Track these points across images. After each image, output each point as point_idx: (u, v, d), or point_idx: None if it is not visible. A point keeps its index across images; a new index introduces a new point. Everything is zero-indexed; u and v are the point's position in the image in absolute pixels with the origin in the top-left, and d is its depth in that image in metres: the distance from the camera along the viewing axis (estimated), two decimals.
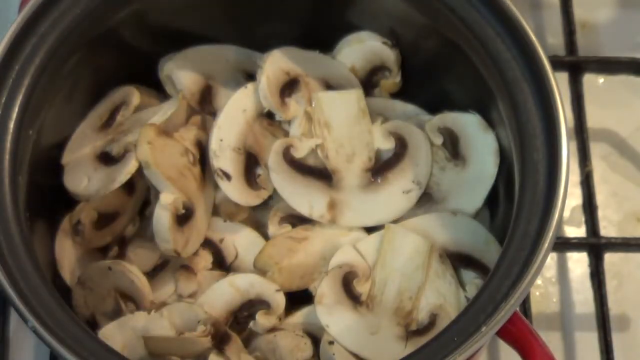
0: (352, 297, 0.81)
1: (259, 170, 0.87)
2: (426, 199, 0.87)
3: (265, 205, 0.87)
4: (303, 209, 0.85)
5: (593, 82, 1.07)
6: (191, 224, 0.84)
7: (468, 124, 0.86)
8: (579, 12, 1.08)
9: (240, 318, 0.83)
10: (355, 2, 0.90)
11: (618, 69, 1.04)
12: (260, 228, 0.87)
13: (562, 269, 1.01)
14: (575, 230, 1.02)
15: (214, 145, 0.86)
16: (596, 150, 1.04)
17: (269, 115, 0.88)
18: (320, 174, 0.86)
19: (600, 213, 0.99)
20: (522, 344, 0.75)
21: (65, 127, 0.89)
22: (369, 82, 0.92)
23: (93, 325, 0.84)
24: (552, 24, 1.11)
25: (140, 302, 0.83)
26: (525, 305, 0.93)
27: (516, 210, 0.75)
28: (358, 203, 0.85)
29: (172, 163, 0.84)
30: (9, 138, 0.78)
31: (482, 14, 0.80)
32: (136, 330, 0.80)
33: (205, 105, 0.90)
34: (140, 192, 0.88)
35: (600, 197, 1.01)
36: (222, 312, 0.82)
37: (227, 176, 0.85)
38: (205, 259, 0.86)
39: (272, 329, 0.82)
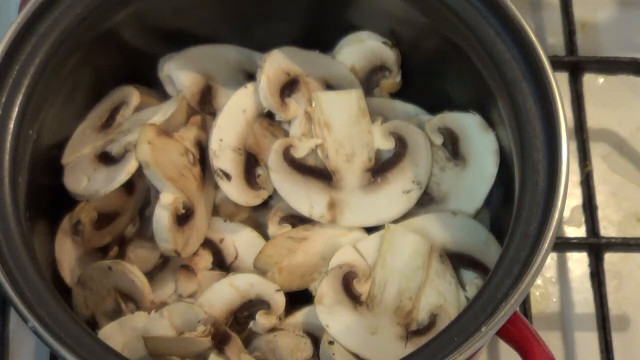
0: (352, 297, 0.81)
1: (259, 170, 0.87)
2: (426, 199, 0.87)
3: (265, 205, 0.87)
4: (303, 209, 0.85)
5: (593, 82, 1.07)
6: (191, 224, 0.84)
7: (468, 124, 0.86)
8: (579, 12, 1.08)
9: (240, 318, 0.83)
10: (355, 2, 0.90)
11: (618, 69, 1.04)
12: (260, 228, 0.87)
13: (562, 269, 1.01)
14: (575, 230, 1.02)
15: (214, 145, 0.86)
16: (596, 150, 1.04)
17: (269, 115, 0.88)
18: (320, 174, 0.86)
19: (600, 213, 0.99)
20: (522, 344, 0.75)
21: (65, 127, 0.89)
22: (369, 82, 0.92)
23: (93, 325, 0.84)
24: (552, 24, 1.11)
25: (140, 302, 0.83)
26: (525, 305, 0.93)
27: (516, 210, 0.75)
28: (358, 203, 0.85)
29: (172, 163, 0.84)
30: (9, 138, 0.78)
31: (482, 14, 0.80)
32: (136, 330, 0.80)
33: (205, 105, 0.90)
34: (140, 192, 0.88)
35: (600, 197, 1.01)
36: (222, 312, 0.82)
37: (227, 176, 0.85)
38: (205, 259, 0.86)
39: (272, 329, 0.82)
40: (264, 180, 0.86)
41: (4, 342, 0.92)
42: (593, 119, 1.03)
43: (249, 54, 0.93)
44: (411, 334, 0.80)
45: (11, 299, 0.72)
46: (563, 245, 0.98)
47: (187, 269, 0.85)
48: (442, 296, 0.81)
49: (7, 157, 0.77)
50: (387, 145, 0.87)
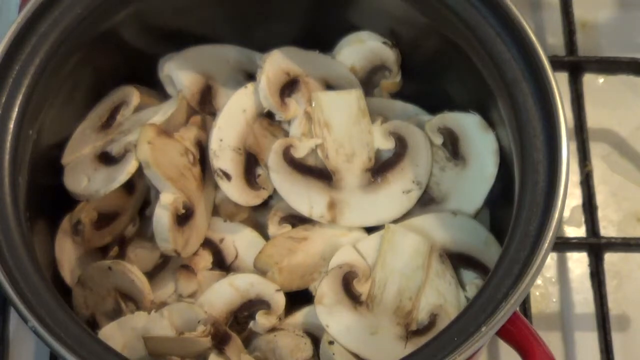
0: (352, 297, 0.81)
1: (259, 170, 0.87)
2: (426, 199, 0.87)
3: (265, 205, 0.87)
4: (303, 209, 0.85)
5: (593, 82, 1.07)
6: (191, 224, 0.84)
7: (468, 124, 0.86)
8: (579, 12, 1.08)
9: (240, 318, 0.83)
10: (355, 2, 0.90)
11: (618, 69, 1.04)
12: (260, 228, 0.87)
13: (562, 269, 1.01)
14: (575, 230, 1.02)
15: (214, 145, 0.86)
16: (596, 150, 1.04)
17: (269, 115, 0.88)
18: (320, 174, 0.86)
19: (600, 213, 0.99)
20: (522, 344, 0.75)
21: (65, 127, 0.89)
22: (369, 82, 0.92)
23: (93, 325, 0.84)
24: (552, 24, 1.11)
25: (140, 302, 0.83)
26: (525, 305, 0.93)
27: (516, 210, 0.75)
28: (358, 203, 0.85)
29: (172, 163, 0.84)
30: (9, 138, 0.78)
31: (482, 14, 0.80)
32: (136, 330, 0.80)
33: (205, 105, 0.90)
34: (140, 192, 0.88)
35: (600, 197, 1.01)
36: (222, 312, 0.82)
37: (227, 176, 0.85)
38: (205, 259, 0.86)
39: (272, 329, 0.82)
40: (264, 180, 0.86)
41: (4, 342, 0.92)
42: (593, 119, 1.03)
43: (249, 54, 0.93)
44: (411, 334, 0.80)
45: (11, 299, 0.72)
46: (563, 245, 0.98)
47: (187, 269, 0.85)
48: (442, 296, 0.81)
49: (7, 157, 0.77)
50: (387, 145, 0.87)
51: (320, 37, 0.91)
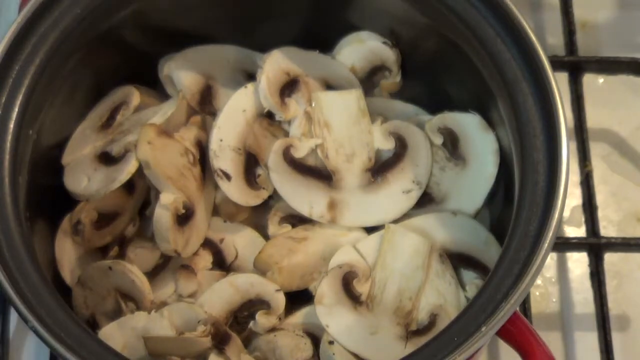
0: (352, 297, 0.81)
1: (259, 170, 0.87)
2: (426, 199, 0.87)
3: (265, 205, 0.87)
4: (303, 209, 0.85)
5: (593, 82, 1.07)
6: (191, 224, 0.84)
7: (468, 124, 0.86)
8: (579, 12, 1.08)
9: (240, 318, 0.83)
10: (355, 2, 0.90)
11: (618, 69, 1.04)
12: (260, 228, 0.87)
13: (562, 269, 1.01)
14: (575, 230, 1.02)
15: (214, 145, 0.86)
16: (596, 150, 1.04)
17: (269, 115, 0.88)
18: (320, 174, 0.86)
19: (600, 213, 0.99)
20: (522, 344, 0.75)
21: (65, 127, 0.89)
22: (369, 82, 0.92)
23: (93, 325, 0.84)
24: (552, 24, 1.11)
25: (141, 302, 0.83)
26: (525, 305, 0.93)
27: (516, 210, 0.75)
28: (358, 203, 0.85)
29: (172, 163, 0.84)
30: (9, 138, 0.78)
31: (482, 14, 0.80)
32: (136, 330, 0.80)
33: (205, 106, 0.90)
34: (140, 192, 0.88)
35: (600, 197, 1.01)
36: (222, 312, 0.82)
37: (227, 176, 0.85)
38: (205, 259, 0.86)
39: (272, 329, 0.82)
40: (264, 180, 0.86)
41: (4, 342, 0.92)
42: (593, 119, 1.03)
43: (249, 54, 0.93)
44: (411, 334, 0.80)
45: (11, 299, 0.72)
46: (563, 245, 0.98)
47: (187, 269, 0.85)
48: (442, 296, 0.81)
49: (7, 157, 0.77)
50: (387, 145, 0.87)
51: (320, 37, 0.91)
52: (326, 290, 0.81)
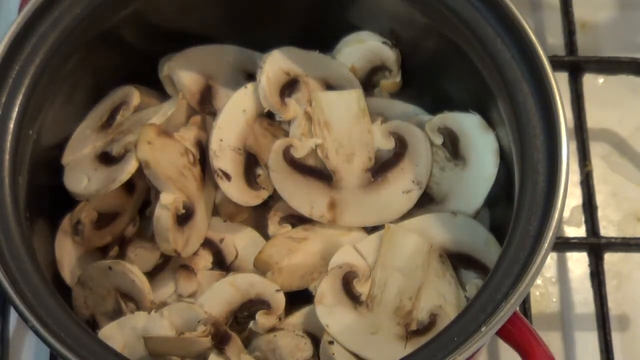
0: (352, 297, 0.81)
1: (259, 170, 0.87)
2: (426, 199, 0.87)
3: (265, 205, 0.87)
4: (303, 209, 0.85)
5: (593, 82, 1.07)
6: (191, 224, 0.84)
7: (468, 124, 0.86)
8: (579, 12, 1.08)
9: (240, 318, 0.83)
10: (355, 2, 0.90)
11: (618, 69, 1.04)
12: (260, 228, 0.87)
13: (562, 269, 1.01)
14: (575, 230, 1.02)
15: (214, 145, 0.86)
16: (596, 150, 1.04)
17: (269, 115, 0.88)
18: (320, 174, 0.86)
19: (600, 213, 0.99)
20: (522, 344, 0.75)
21: (65, 127, 0.89)
22: (369, 82, 0.92)
23: (93, 325, 0.84)
24: (552, 24, 1.11)
25: (141, 302, 0.83)
26: (525, 305, 0.93)
27: (516, 210, 0.75)
28: (358, 203, 0.85)
29: (172, 163, 0.84)
30: (9, 138, 0.78)
31: (482, 14, 0.80)
32: (136, 330, 0.80)
33: (205, 106, 0.90)
34: (140, 192, 0.88)
35: (600, 197, 1.01)
36: (222, 312, 0.82)
37: (227, 176, 0.85)
38: (205, 259, 0.86)
39: (272, 329, 0.82)
40: (264, 180, 0.86)
41: (4, 342, 0.92)
42: (593, 119, 1.03)
43: (249, 54, 0.93)
44: (411, 334, 0.80)
45: (11, 299, 0.72)
46: (563, 245, 0.98)
47: (187, 269, 0.85)
48: (442, 296, 0.81)
49: (7, 157, 0.77)
50: (387, 145, 0.87)
51: (320, 37, 0.91)
52: (326, 290, 0.81)
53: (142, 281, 0.83)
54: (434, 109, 0.89)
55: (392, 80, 0.91)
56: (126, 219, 0.88)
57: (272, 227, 0.86)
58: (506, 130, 0.80)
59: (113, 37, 0.86)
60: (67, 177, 0.87)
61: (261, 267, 0.83)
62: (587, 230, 0.98)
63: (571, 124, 1.02)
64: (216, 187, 0.87)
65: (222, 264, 0.87)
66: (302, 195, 0.85)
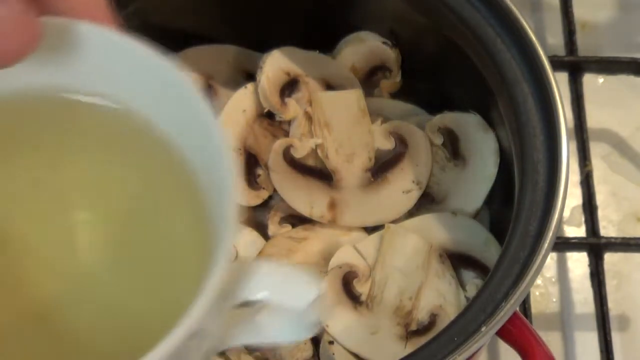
0: (352, 297, 0.81)
1: (259, 170, 0.87)
2: (426, 199, 0.87)
3: (265, 205, 0.87)
4: (303, 209, 0.85)
5: (593, 82, 1.07)
6: None
7: (468, 124, 0.86)
8: (579, 12, 1.08)
9: None
10: (355, 2, 0.90)
11: (618, 69, 1.04)
12: (260, 228, 0.87)
13: (562, 269, 1.01)
14: (575, 230, 1.02)
15: None
16: (596, 150, 1.04)
17: (269, 116, 0.88)
18: (320, 174, 0.86)
19: (600, 213, 0.99)
20: (522, 344, 0.75)
21: None
22: (369, 82, 0.92)
23: None
24: (552, 24, 1.11)
25: None
26: (525, 305, 0.93)
27: (516, 210, 0.74)
28: (358, 203, 0.85)
29: None
30: None
31: (482, 14, 0.80)
32: None
33: None
34: None
35: (600, 197, 1.00)
36: None
37: None
38: None
39: None
40: (264, 180, 0.86)
41: None
42: (593, 119, 1.03)
43: (249, 54, 0.93)
44: (411, 334, 0.80)
45: None
46: (563, 245, 0.97)
47: None
48: (442, 296, 0.81)
49: None
50: (387, 145, 0.86)
51: (320, 37, 0.91)
52: (326, 290, 0.81)
53: None
54: (434, 109, 0.89)
55: (392, 80, 0.91)
56: None
57: (272, 227, 0.86)
58: (506, 130, 0.80)
59: None
60: None
61: None
62: (587, 230, 0.98)
63: (571, 124, 1.02)
64: None
65: None
66: (302, 195, 0.85)
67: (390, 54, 0.90)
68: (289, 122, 0.88)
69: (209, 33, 0.92)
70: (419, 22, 0.85)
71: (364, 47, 0.91)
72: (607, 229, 1.02)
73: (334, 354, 0.79)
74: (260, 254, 0.83)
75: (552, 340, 0.97)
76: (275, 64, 0.88)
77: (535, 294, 0.99)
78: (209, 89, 0.91)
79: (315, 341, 0.81)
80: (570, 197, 1.00)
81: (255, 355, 0.81)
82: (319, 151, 0.86)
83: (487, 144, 0.85)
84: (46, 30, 0.50)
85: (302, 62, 0.89)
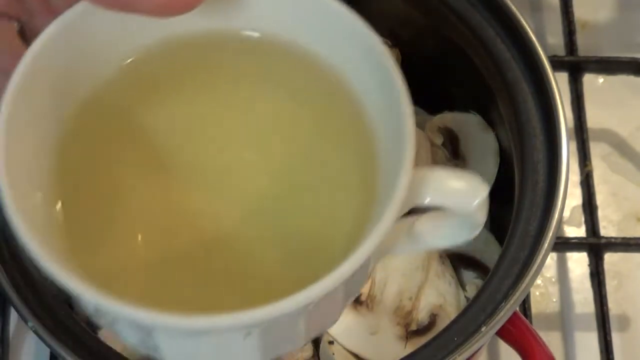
0: None
1: None
2: None
3: None
4: None
5: (593, 82, 1.07)
6: None
7: (468, 124, 0.86)
8: (579, 12, 1.08)
9: None
10: (356, 2, 0.89)
11: (618, 69, 1.04)
12: None
13: (562, 269, 1.01)
14: (575, 230, 1.02)
15: None
16: (596, 150, 1.04)
17: None
18: None
19: (600, 213, 0.99)
20: (522, 344, 0.75)
21: None
22: None
23: (93, 325, 0.83)
24: (552, 24, 1.11)
25: None
26: (525, 305, 0.93)
27: (516, 210, 0.74)
28: None
29: None
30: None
31: (482, 14, 0.80)
32: None
33: None
34: None
35: (600, 197, 1.00)
36: None
37: None
38: None
39: None
40: None
41: (4, 342, 0.92)
42: (593, 119, 1.03)
43: None
44: (411, 334, 0.80)
45: (11, 299, 0.71)
46: (563, 245, 0.97)
47: None
48: (442, 296, 0.81)
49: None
50: None
51: None
52: None
53: None
54: (434, 109, 0.89)
55: None
56: None
57: None
58: (506, 130, 0.80)
59: None
60: None
61: None
62: (587, 230, 0.98)
63: (571, 124, 1.02)
64: None
65: None
66: None
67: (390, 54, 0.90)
68: None
69: None
70: (419, 22, 0.85)
71: None
72: (607, 229, 1.02)
73: (333, 354, 0.79)
74: None
75: (552, 340, 0.97)
76: None
77: (535, 294, 0.99)
78: None
79: (315, 341, 0.81)
80: (570, 197, 1.00)
81: None
82: None
83: (487, 144, 0.85)
84: None
85: None
